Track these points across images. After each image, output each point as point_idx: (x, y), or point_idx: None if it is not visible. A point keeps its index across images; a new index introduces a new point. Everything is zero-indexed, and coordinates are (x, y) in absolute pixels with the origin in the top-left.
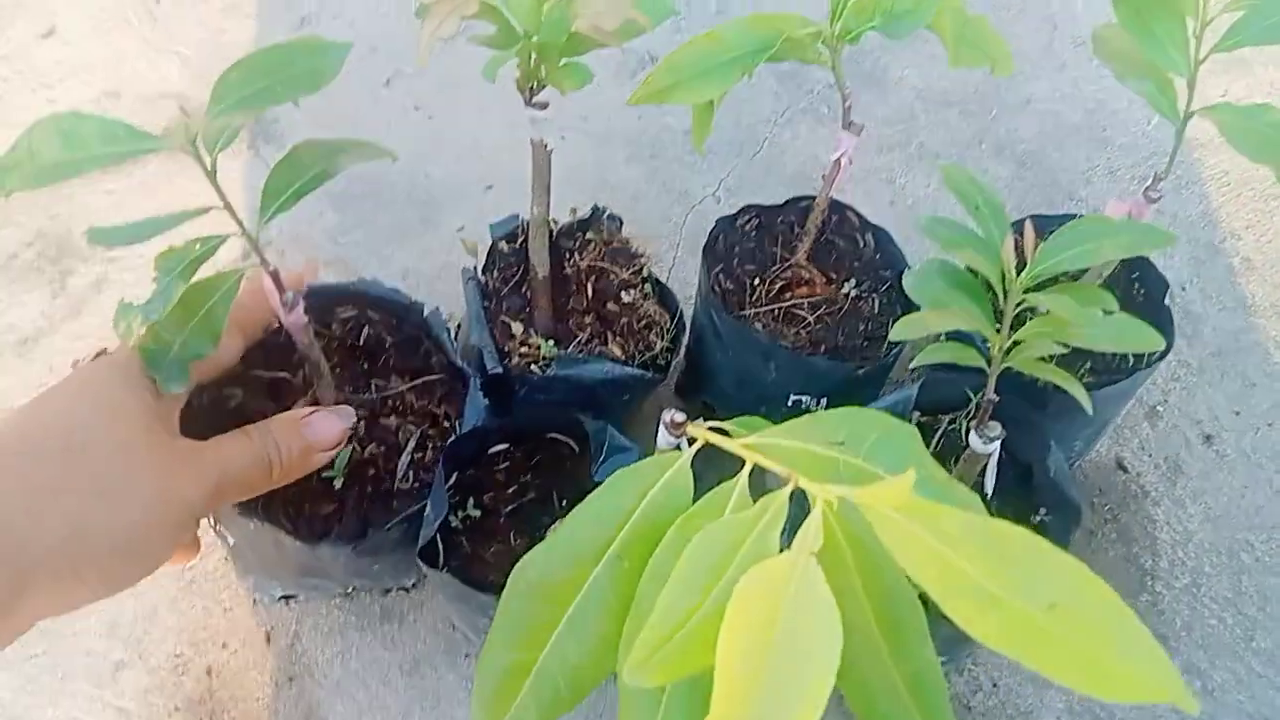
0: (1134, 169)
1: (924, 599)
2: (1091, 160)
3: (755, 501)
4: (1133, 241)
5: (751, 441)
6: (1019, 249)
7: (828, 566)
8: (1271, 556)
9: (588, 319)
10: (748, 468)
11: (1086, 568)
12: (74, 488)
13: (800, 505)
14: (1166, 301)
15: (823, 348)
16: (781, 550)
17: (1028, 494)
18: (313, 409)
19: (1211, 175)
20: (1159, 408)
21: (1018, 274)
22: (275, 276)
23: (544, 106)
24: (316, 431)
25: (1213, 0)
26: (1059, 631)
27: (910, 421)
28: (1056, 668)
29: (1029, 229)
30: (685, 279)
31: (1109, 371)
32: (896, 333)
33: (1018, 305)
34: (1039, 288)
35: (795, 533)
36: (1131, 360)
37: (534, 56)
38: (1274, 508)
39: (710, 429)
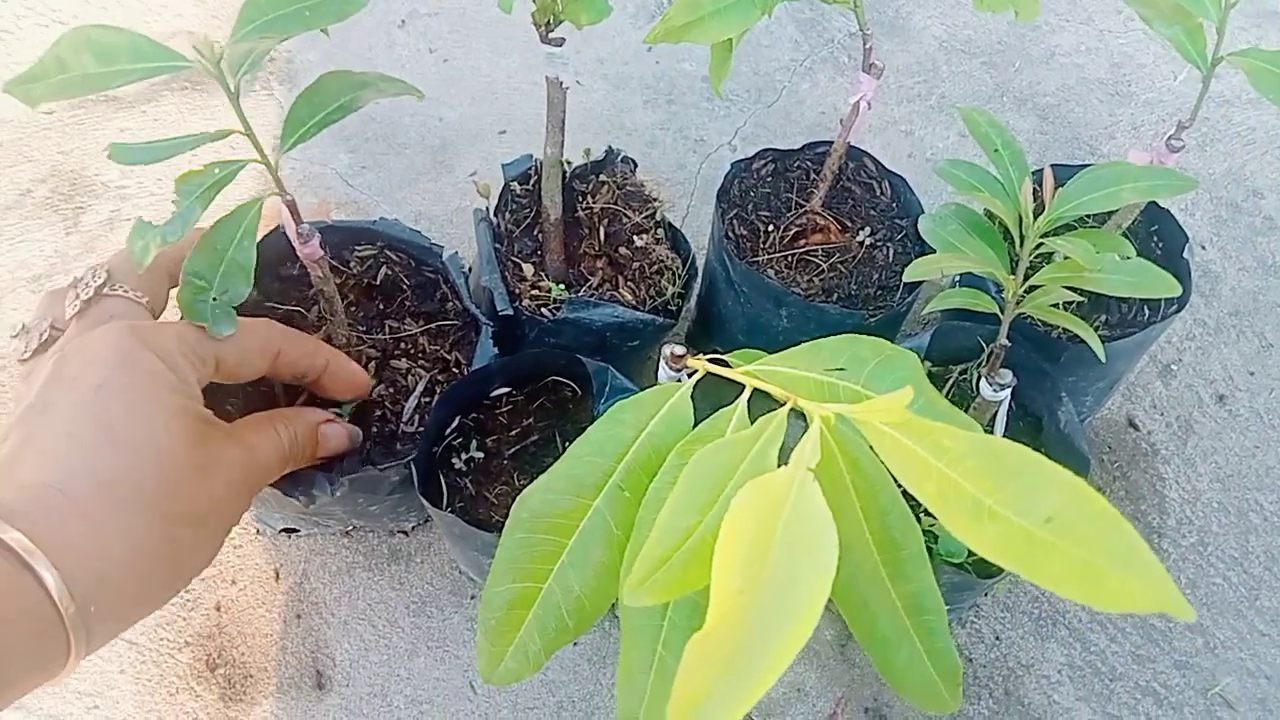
0: (1158, 125)
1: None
2: (1115, 115)
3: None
4: (1152, 186)
5: (750, 369)
6: (1037, 194)
7: (825, 484)
8: None
9: (599, 263)
10: (746, 392)
11: (1083, 482)
12: (132, 506)
13: (801, 430)
14: (1185, 255)
15: (835, 296)
16: (780, 468)
17: (1037, 446)
18: (331, 418)
19: (1237, 133)
20: (1173, 366)
21: (1035, 218)
22: (292, 206)
23: (560, 43)
24: (329, 442)
25: None
26: (1056, 543)
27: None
28: (1053, 578)
29: (1048, 173)
30: (699, 227)
31: (1123, 324)
32: (911, 272)
33: (1034, 250)
34: (1056, 233)
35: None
36: (1146, 313)
37: None
38: None
39: (710, 360)
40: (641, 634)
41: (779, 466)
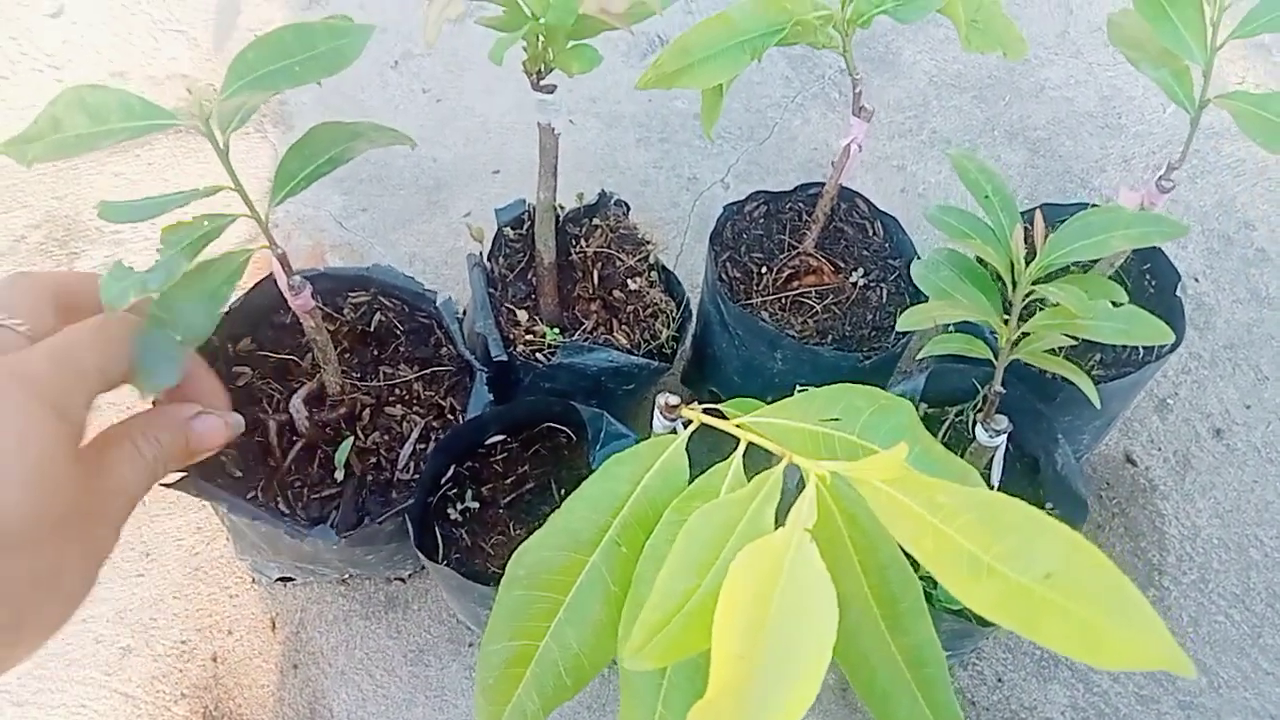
0: (1149, 157)
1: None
2: (1105, 148)
3: (751, 478)
4: (1144, 233)
5: (745, 421)
6: (1028, 239)
7: (823, 542)
8: None
9: (593, 306)
10: (741, 447)
11: (1081, 536)
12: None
13: (797, 478)
14: (1178, 293)
15: (829, 337)
16: (777, 527)
17: (1034, 487)
18: (200, 409)
19: (1227, 164)
20: (1169, 400)
21: (1027, 264)
22: (283, 259)
23: (551, 90)
24: (201, 438)
25: None
26: (1055, 600)
27: (916, 412)
28: (1053, 636)
29: (1039, 219)
30: (693, 266)
31: (1118, 364)
32: (903, 323)
33: (1026, 296)
34: (1048, 278)
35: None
36: (1141, 353)
37: (541, 39)
38: None
39: (705, 410)
40: (641, 693)
41: (776, 526)
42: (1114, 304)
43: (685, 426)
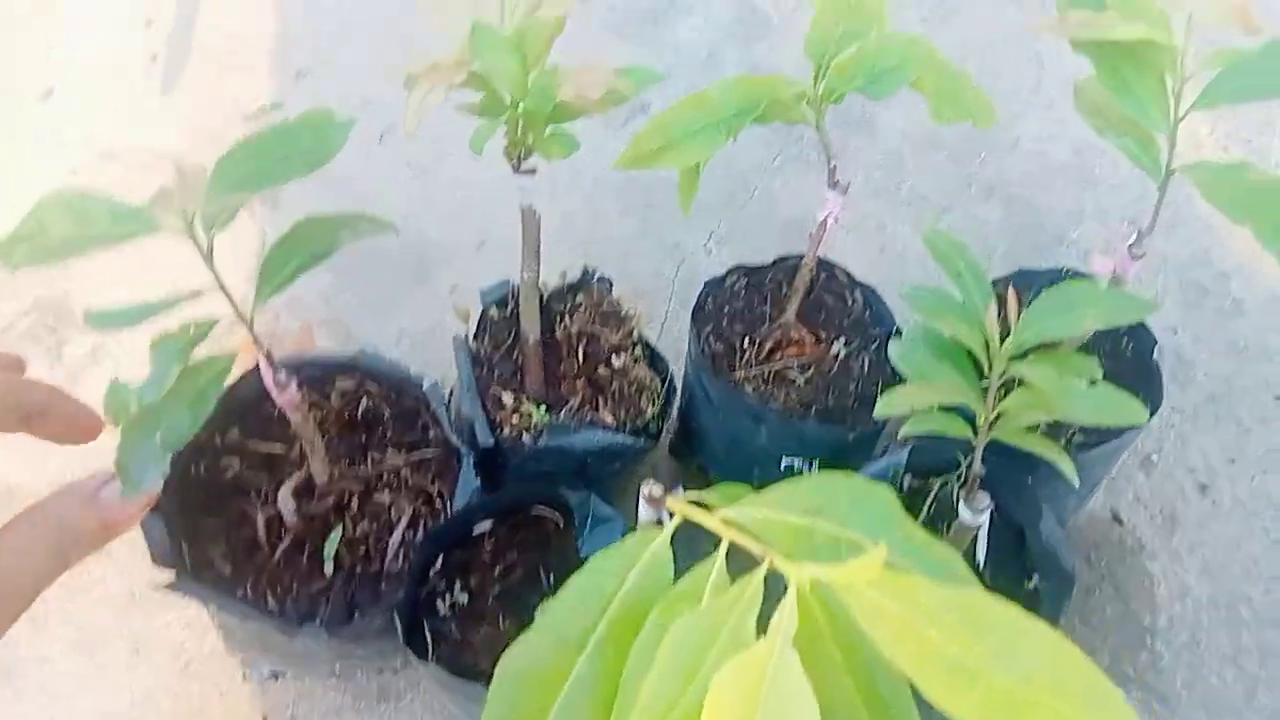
0: (1123, 209)
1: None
2: (1080, 201)
3: (735, 577)
4: (1113, 312)
5: (728, 515)
6: (1002, 316)
7: (807, 646)
8: (1270, 610)
9: (579, 383)
10: (724, 545)
11: (1062, 636)
12: None
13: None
14: (1154, 357)
15: (813, 409)
16: (760, 631)
17: (1021, 559)
18: (107, 479)
19: (1200, 216)
20: (1153, 456)
21: (1002, 341)
22: (269, 358)
23: (532, 173)
24: (113, 515)
25: (1191, 56)
26: (1035, 701)
27: (901, 485)
28: None
29: (1011, 297)
30: (678, 333)
31: (1100, 431)
32: (881, 410)
33: (1002, 374)
34: (1024, 354)
35: (776, 604)
36: None
37: (521, 125)
38: (1271, 558)
39: (689, 501)
40: None
41: (758, 632)
42: (1089, 382)
43: (670, 516)
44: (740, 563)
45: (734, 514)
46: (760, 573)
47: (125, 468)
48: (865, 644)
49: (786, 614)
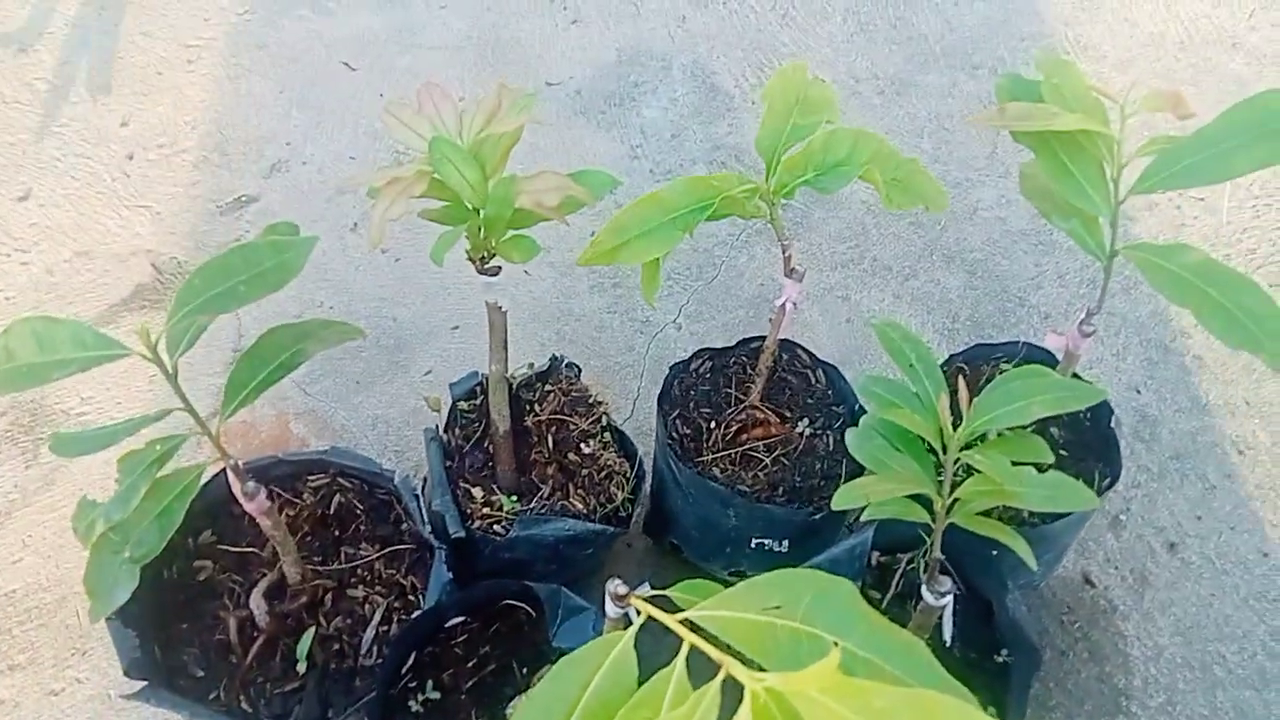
0: (1081, 272)
1: None
2: (1040, 265)
3: (698, 684)
4: (1061, 399)
5: (691, 617)
6: (954, 405)
7: None
8: (1244, 668)
9: (550, 470)
10: (684, 650)
11: None
12: None
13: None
14: (1112, 425)
15: (780, 489)
16: None
17: (990, 633)
18: None
19: None
20: (1121, 516)
21: (955, 429)
22: (236, 469)
23: (496, 272)
24: None
25: (1129, 144)
26: None
27: (870, 562)
28: None
29: (961, 386)
30: (650, 408)
31: None
32: (839, 502)
33: (956, 462)
34: (978, 441)
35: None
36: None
37: (482, 230)
38: (1242, 616)
39: (652, 598)
40: None
41: None
42: (1039, 470)
43: (637, 614)
44: (704, 660)
45: (696, 615)
46: (716, 683)
47: (94, 587)
48: None
49: None
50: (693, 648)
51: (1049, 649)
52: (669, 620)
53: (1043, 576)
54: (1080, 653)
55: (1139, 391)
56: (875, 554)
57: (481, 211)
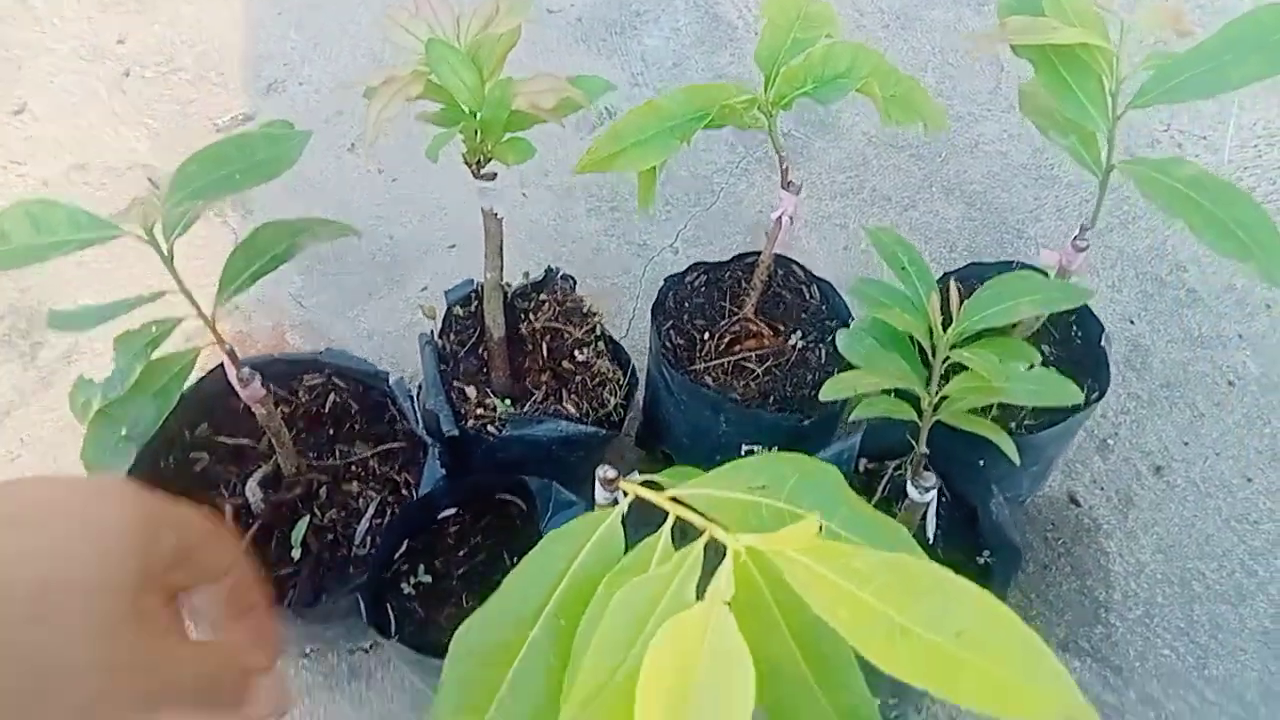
0: (1081, 205)
1: None
2: (1039, 198)
3: (678, 550)
4: (1048, 299)
5: (677, 494)
6: (945, 306)
7: (748, 610)
8: (1222, 584)
9: (544, 377)
10: (670, 520)
11: (992, 596)
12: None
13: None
14: (1103, 343)
15: (771, 399)
16: (699, 599)
17: (973, 537)
18: (268, 667)
19: (1157, 210)
20: (1109, 441)
21: (945, 329)
22: (232, 355)
23: (492, 177)
24: (260, 705)
25: (1126, 59)
26: (966, 658)
27: (856, 468)
28: (964, 693)
29: (953, 287)
30: (645, 329)
31: (1050, 412)
32: (826, 393)
33: (945, 361)
34: (967, 341)
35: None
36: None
37: (478, 133)
38: (1224, 536)
39: (642, 482)
40: None
41: (698, 598)
42: (1027, 367)
43: (624, 496)
44: (689, 537)
45: (683, 492)
46: (700, 544)
47: (91, 462)
48: (805, 607)
49: (723, 580)
50: (678, 520)
51: (1032, 564)
52: (656, 497)
53: (1028, 491)
54: (1063, 567)
55: (1133, 322)
56: (863, 461)
57: (478, 114)
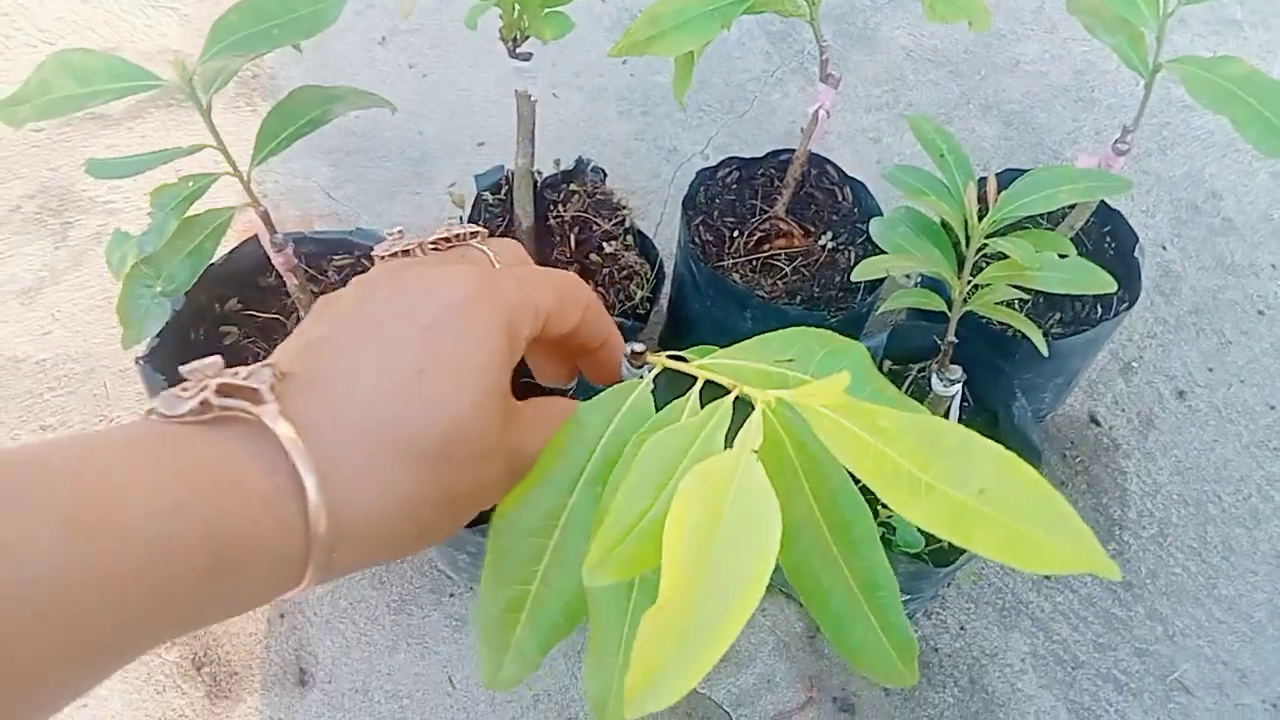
0: (1120, 130)
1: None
2: (1078, 121)
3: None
4: (1089, 187)
5: (704, 363)
6: (982, 196)
7: (773, 468)
8: (1237, 508)
9: (571, 269)
10: (699, 383)
11: (1014, 455)
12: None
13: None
14: (1136, 254)
15: (798, 298)
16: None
17: (993, 439)
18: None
19: (1197, 136)
20: (1134, 363)
21: (980, 220)
22: (265, 217)
23: (527, 57)
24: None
25: None
26: (988, 512)
27: (881, 368)
28: (986, 545)
29: (991, 179)
30: (672, 233)
31: (1076, 322)
32: (859, 272)
33: (979, 251)
34: (1001, 233)
35: None
36: (1100, 311)
37: (516, 6)
38: (1242, 461)
39: (668, 356)
40: (608, 619)
41: (726, 446)
42: (1060, 255)
43: (650, 372)
44: (717, 398)
45: (710, 362)
46: (728, 399)
47: (126, 315)
48: (830, 469)
49: (752, 428)
50: (706, 384)
51: (1049, 478)
52: (684, 366)
53: (1050, 406)
54: (1079, 484)
55: (1164, 248)
56: (888, 362)
57: None
